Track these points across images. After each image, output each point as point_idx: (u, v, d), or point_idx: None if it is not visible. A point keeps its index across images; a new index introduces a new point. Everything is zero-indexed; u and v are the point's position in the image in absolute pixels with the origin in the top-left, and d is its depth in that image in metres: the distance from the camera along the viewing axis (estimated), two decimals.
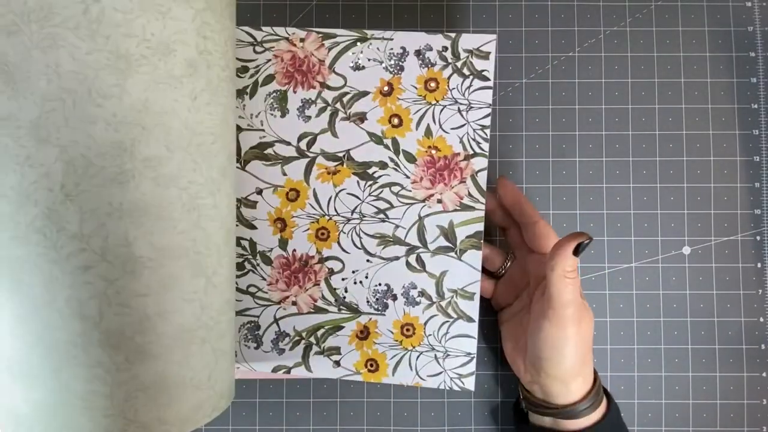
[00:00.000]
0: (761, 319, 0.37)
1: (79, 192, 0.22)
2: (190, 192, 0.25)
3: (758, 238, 0.37)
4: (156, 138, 0.24)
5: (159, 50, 0.24)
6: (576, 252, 0.29)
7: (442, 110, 0.34)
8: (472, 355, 0.34)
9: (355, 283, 0.34)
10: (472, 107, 0.34)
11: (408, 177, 0.34)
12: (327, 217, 0.34)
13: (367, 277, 0.34)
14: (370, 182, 0.34)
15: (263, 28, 0.34)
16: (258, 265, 0.34)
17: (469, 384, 0.34)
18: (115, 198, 0.23)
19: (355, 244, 0.34)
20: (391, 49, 0.34)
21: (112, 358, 0.23)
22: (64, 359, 0.22)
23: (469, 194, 0.34)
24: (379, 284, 0.34)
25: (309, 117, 0.34)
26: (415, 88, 0.34)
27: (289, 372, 0.34)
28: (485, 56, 0.34)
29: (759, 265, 0.37)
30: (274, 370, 0.34)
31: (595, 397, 0.30)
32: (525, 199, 0.33)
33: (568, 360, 0.30)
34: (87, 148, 0.22)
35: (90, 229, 0.23)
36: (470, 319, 0.34)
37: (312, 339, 0.34)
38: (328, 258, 0.34)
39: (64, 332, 0.22)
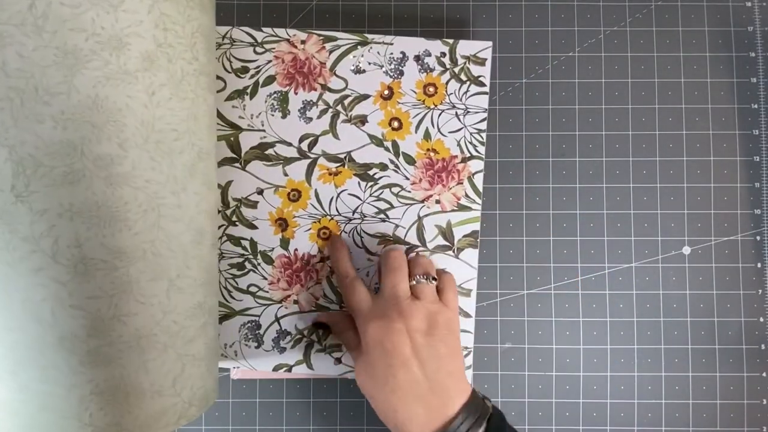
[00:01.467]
0: (761, 319, 0.37)
1: (29, 193, 0.22)
2: (148, 191, 0.24)
3: (758, 238, 0.38)
4: (108, 136, 0.23)
5: (110, 45, 0.23)
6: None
7: (440, 114, 0.35)
8: (470, 349, 0.35)
9: None
10: (468, 112, 0.35)
11: (408, 178, 0.36)
12: (329, 217, 0.35)
13: (368, 276, 0.35)
14: (370, 183, 0.35)
15: (263, 29, 0.35)
16: (259, 264, 0.35)
17: (467, 377, 0.35)
18: (65, 198, 0.22)
19: (356, 244, 0.35)
20: (392, 53, 0.35)
21: (66, 361, 0.23)
22: (20, 360, 0.22)
23: (466, 195, 0.35)
24: (380, 282, 0.35)
25: (310, 118, 0.35)
26: (415, 92, 0.35)
27: (290, 370, 0.35)
28: (482, 62, 0.35)
29: (759, 265, 0.37)
30: (275, 368, 0.35)
31: (452, 426, 0.28)
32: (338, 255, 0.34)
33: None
34: (35, 147, 0.22)
35: (40, 230, 0.22)
36: (467, 315, 0.35)
37: (313, 337, 0.35)
38: (330, 257, 0.35)
39: (20, 334, 0.22)
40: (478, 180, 0.35)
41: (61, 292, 0.23)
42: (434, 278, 0.32)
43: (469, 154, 0.35)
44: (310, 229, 0.35)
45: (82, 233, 0.23)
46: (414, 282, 0.31)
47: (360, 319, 0.31)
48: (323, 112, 0.35)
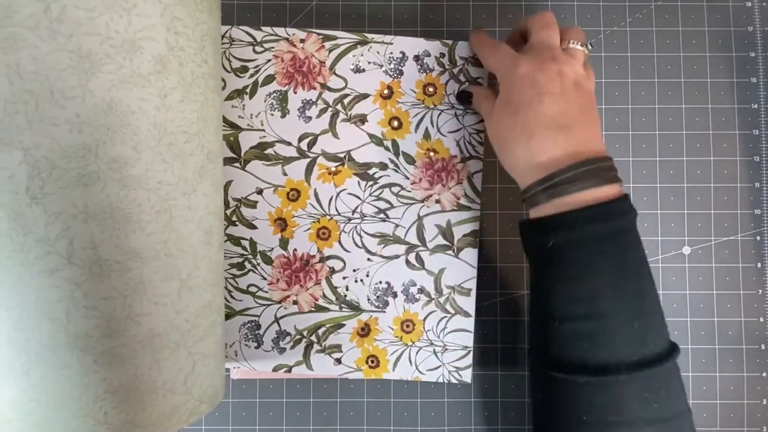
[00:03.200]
0: (761, 319, 0.37)
1: (44, 195, 0.22)
2: (160, 193, 0.25)
3: (758, 238, 0.38)
4: (122, 138, 0.24)
5: (124, 48, 0.23)
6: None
7: (439, 114, 0.36)
8: (469, 349, 0.36)
9: (356, 281, 0.36)
10: (467, 112, 0.36)
11: (407, 178, 0.36)
12: (328, 217, 0.35)
13: (367, 276, 0.36)
14: (370, 183, 0.36)
15: (263, 28, 0.35)
16: (258, 264, 0.35)
17: (466, 376, 0.36)
18: (80, 200, 0.23)
19: (356, 243, 0.36)
20: (391, 53, 0.36)
21: (80, 361, 0.23)
22: (34, 360, 0.23)
23: (466, 195, 0.36)
24: (380, 282, 0.36)
25: (310, 118, 0.35)
26: (414, 92, 0.36)
27: (290, 371, 0.35)
28: (480, 64, 0.36)
29: (759, 265, 0.38)
30: (275, 369, 0.35)
31: (580, 168, 0.27)
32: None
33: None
34: (50, 150, 0.22)
35: (55, 232, 0.23)
36: (467, 314, 0.36)
37: (313, 337, 0.35)
38: (329, 257, 0.35)
39: (33, 333, 0.23)
40: (477, 180, 0.36)
41: (76, 293, 0.23)
42: (590, 46, 0.31)
43: (468, 154, 0.36)
44: (309, 229, 0.36)
45: (96, 235, 0.23)
46: (565, 45, 0.31)
47: (508, 62, 0.30)
48: (323, 111, 0.36)
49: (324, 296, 0.36)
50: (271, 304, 0.35)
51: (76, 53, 0.22)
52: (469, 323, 0.35)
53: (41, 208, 0.22)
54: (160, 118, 0.25)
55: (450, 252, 0.36)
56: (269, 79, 0.36)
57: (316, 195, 0.36)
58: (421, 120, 0.36)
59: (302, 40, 0.35)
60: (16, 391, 0.23)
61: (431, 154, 0.36)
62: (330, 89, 0.36)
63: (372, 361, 0.36)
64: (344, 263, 0.36)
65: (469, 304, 0.36)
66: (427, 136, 0.36)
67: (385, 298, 0.36)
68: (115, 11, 0.23)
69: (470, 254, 0.36)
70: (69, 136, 0.23)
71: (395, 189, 0.36)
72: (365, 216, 0.36)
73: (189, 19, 0.26)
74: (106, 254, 0.23)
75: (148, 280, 0.25)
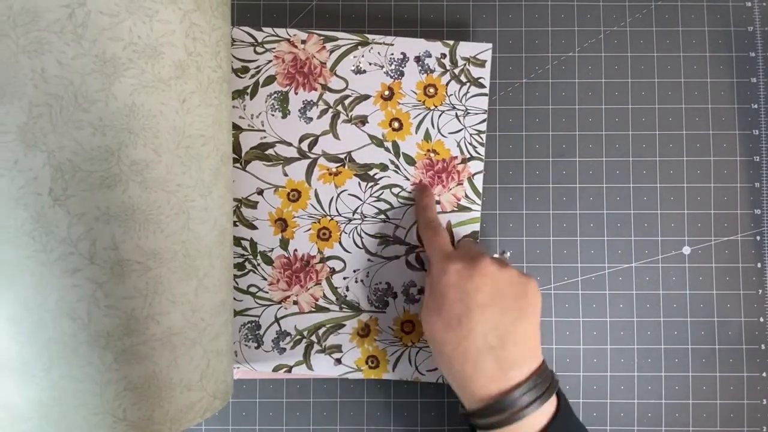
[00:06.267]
0: (761, 319, 0.37)
1: (67, 196, 0.23)
2: (179, 195, 0.26)
3: (758, 238, 0.38)
4: (143, 142, 0.24)
5: (146, 53, 0.24)
6: None
7: (440, 115, 0.36)
8: None
9: (356, 281, 0.36)
10: (468, 113, 0.36)
11: (408, 179, 0.36)
12: (328, 218, 0.36)
13: (368, 276, 0.36)
14: (371, 183, 0.36)
15: (264, 29, 0.35)
16: (259, 265, 0.35)
17: None
18: (102, 202, 0.24)
19: (356, 244, 0.36)
20: (392, 54, 0.36)
21: (101, 359, 0.24)
22: (54, 358, 0.23)
23: (466, 196, 0.36)
24: (380, 283, 0.36)
25: (310, 118, 0.35)
26: (415, 93, 0.36)
27: (290, 371, 0.35)
28: (481, 64, 0.36)
29: (759, 265, 0.38)
30: (275, 369, 0.35)
31: (516, 403, 0.27)
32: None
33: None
34: (74, 153, 0.23)
35: (78, 233, 0.23)
36: None
37: (313, 338, 0.35)
38: (329, 257, 0.36)
39: (54, 332, 0.23)
40: (478, 181, 0.36)
41: (98, 292, 0.24)
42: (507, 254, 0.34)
43: (469, 155, 0.36)
44: (309, 229, 0.36)
45: (118, 236, 0.24)
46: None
47: (440, 259, 0.30)
48: (323, 112, 0.36)
49: (324, 296, 0.36)
50: (271, 305, 0.36)
51: (99, 58, 0.23)
52: None
53: (64, 209, 0.23)
54: (180, 122, 0.26)
55: None
56: (270, 79, 0.36)
57: (316, 195, 0.36)
58: (421, 121, 0.36)
59: (303, 41, 0.36)
60: (36, 389, 0.23)
61: (432, 155, 0.36)
62: (331, 90, 0.36)
63: (372, 362, 0.36)
64: (344, 264, 0.36)
65: None
66: (427, 137, 0.36)
67: (385, 298, 0.36)
68: (138, 17, 0.24)
69: None
70: (92, 139, 0.23)
71: (395, 190, 0.36)
72: (366, 217, 0.36)
73: (206, 25, 0.27)
74: (127, 255, 0.24)
75: (167, 280, 0.25)
